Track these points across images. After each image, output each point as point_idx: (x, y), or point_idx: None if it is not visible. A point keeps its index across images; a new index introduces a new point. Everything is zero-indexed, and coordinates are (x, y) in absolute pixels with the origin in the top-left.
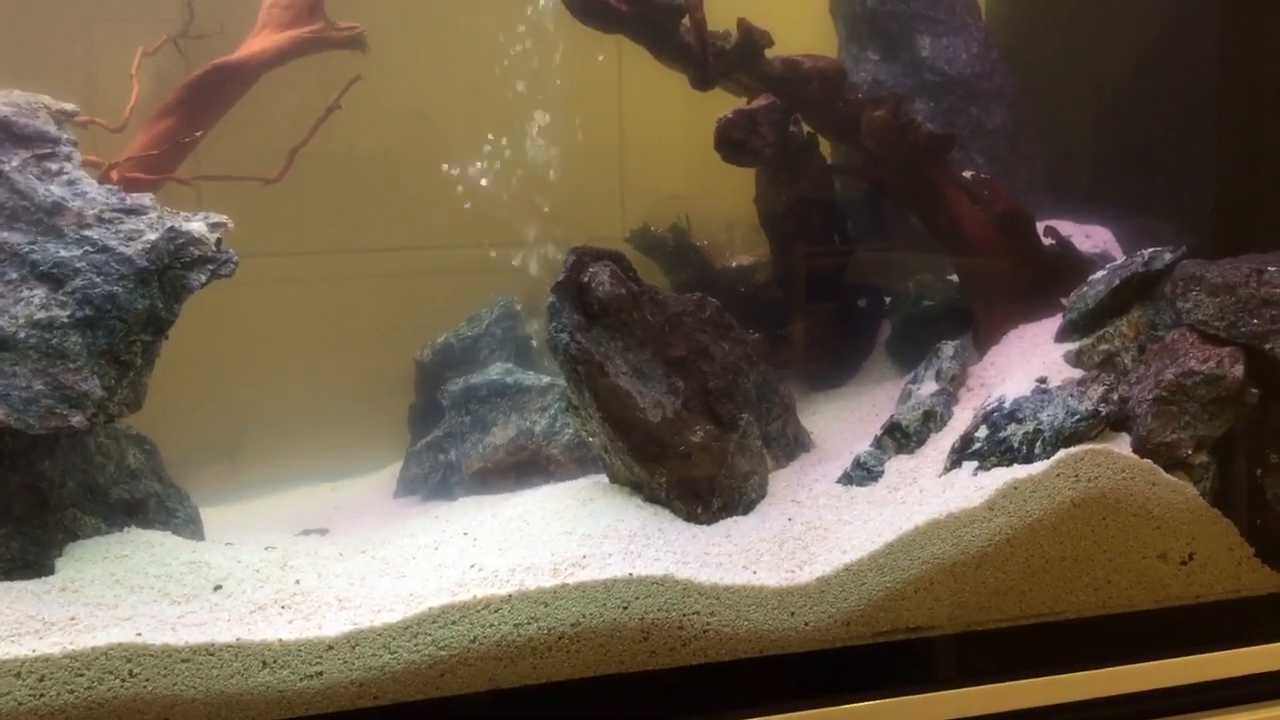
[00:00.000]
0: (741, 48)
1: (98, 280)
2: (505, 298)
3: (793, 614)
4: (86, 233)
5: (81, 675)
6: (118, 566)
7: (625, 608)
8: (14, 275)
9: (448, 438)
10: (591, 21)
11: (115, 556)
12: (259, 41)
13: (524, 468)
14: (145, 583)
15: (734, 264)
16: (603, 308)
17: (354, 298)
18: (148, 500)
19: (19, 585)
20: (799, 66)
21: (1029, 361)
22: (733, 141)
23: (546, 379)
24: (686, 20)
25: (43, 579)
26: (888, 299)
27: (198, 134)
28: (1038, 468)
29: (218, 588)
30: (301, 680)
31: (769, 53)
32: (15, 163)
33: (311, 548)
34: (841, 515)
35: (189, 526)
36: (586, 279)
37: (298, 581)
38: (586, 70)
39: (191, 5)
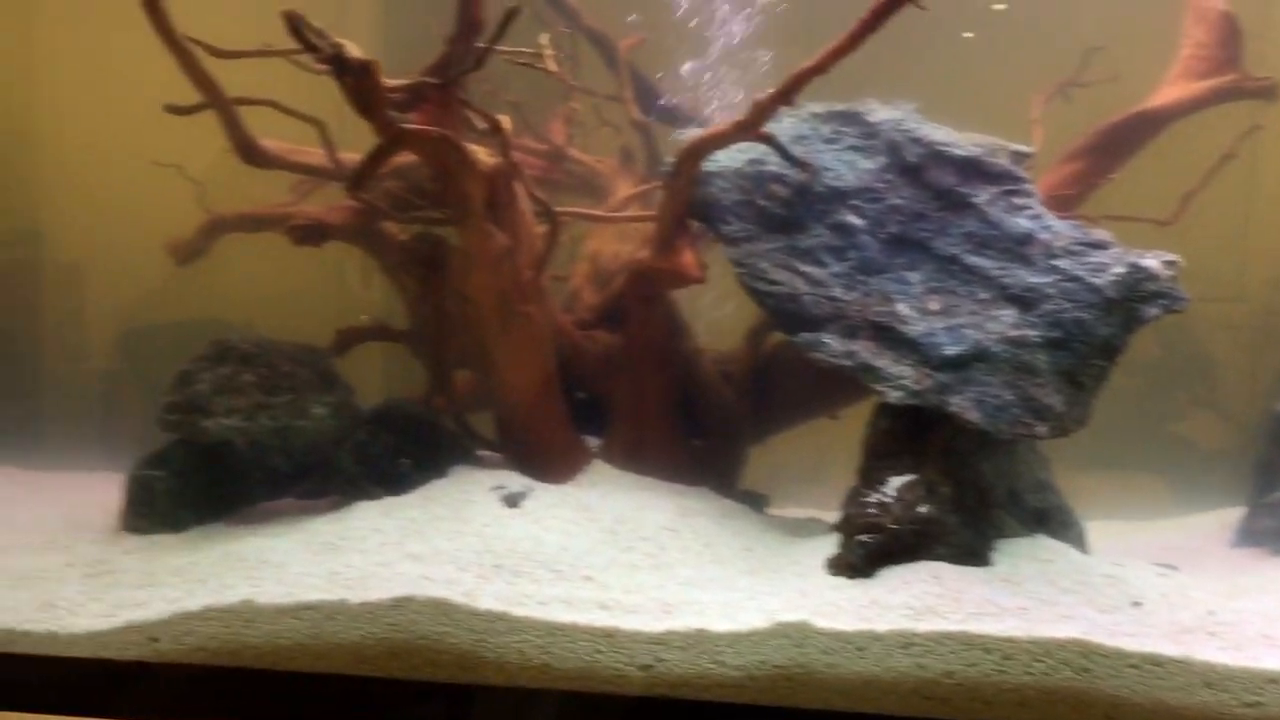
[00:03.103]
0: None
1: (1067, 306)
2: None
3: None
4: (1055, 262)
5: (1040, 661)
6: (1046, 568)
7: None
8: (985, 296)
9: None
10: None
11: (1041, 559)
12: (1175, 90)
13: None
14: (1072, 587)
15: None
16: None
17: None
18: (1051, 512)
19: (968, 571)
20: None
21: None
22: None
23: None
24: None
25: (985, 569)
26: None
27: (1110, 176)
28: None
29: (1137, 604)
30: (1241, 706)
31: None
32: (985, 197)
33: (1196, 583)
34: None
35: (1079, 542)
36: None
37: (1211, 612)
38: None
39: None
